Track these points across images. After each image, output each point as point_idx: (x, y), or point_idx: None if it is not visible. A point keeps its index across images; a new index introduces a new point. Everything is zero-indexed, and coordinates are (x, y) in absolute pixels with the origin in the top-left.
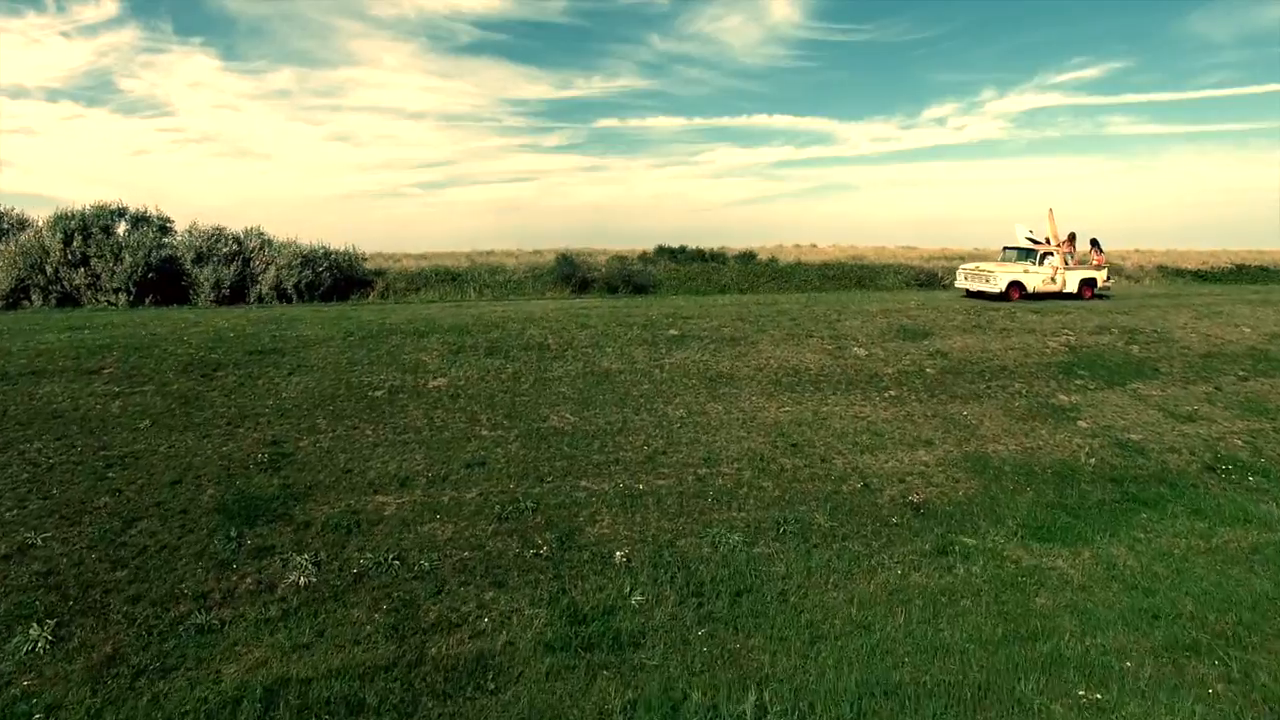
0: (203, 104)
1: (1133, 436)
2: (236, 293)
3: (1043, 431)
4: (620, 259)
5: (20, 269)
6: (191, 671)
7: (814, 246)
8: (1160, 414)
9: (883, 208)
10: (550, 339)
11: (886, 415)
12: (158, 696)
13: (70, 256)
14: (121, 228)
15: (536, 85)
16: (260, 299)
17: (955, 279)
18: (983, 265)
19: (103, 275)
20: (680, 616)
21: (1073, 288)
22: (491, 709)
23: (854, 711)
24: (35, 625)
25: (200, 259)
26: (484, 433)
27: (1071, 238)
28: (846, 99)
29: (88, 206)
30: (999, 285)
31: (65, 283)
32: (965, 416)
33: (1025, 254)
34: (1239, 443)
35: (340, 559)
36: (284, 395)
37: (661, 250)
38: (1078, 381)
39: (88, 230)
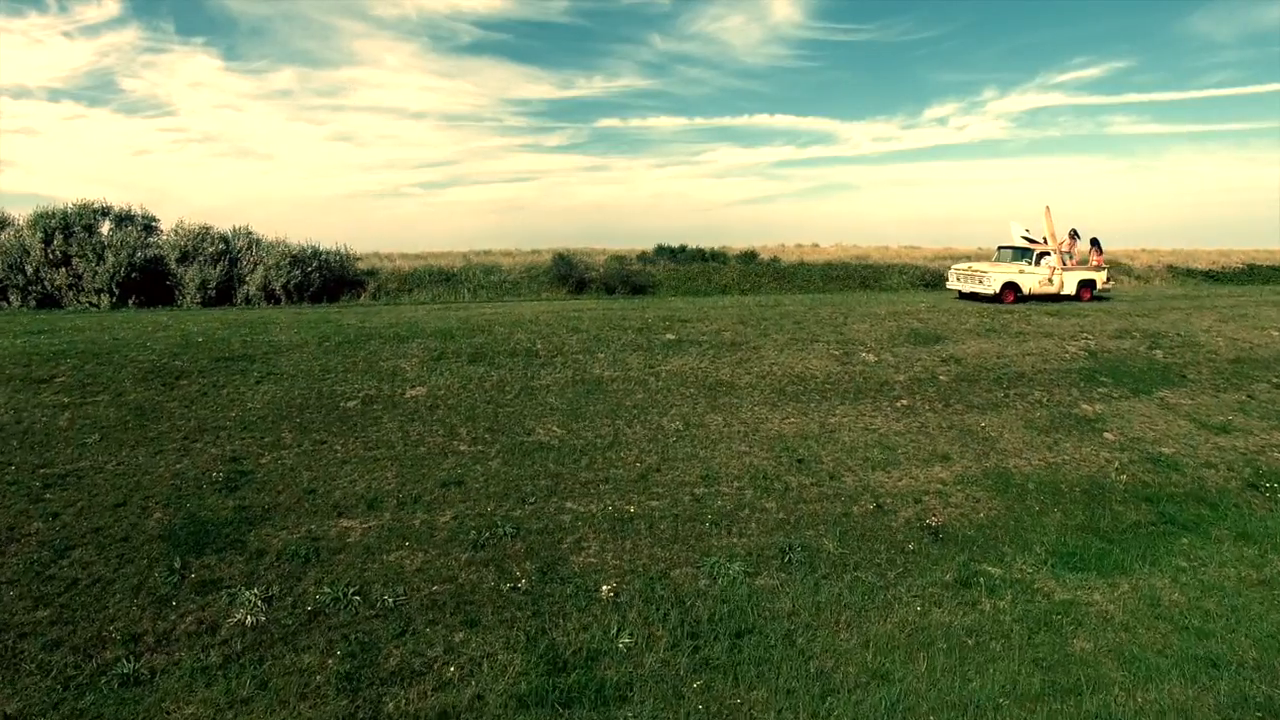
0: (204, 104)
1: (1164, 450)
2: (223, 294)
3: (1067, 445)
4: (618, 259)
5: None
6: None
7: (816, 246)
8: (1192, 425)
9: (884, 207)
10: (539, 344)
11: (899, 427)
12: None
13: (51, 256)
14: (106, 227)
15: (538, 85)
16: (248, 300)
17: (947, 279)
18: (976, 265)
19: (84, 275)
20: (673, 663)
21: (1070, 289)
22: None
23: None
24: None
25: (185, 259)
26: (463, 448)
27: (1073, 234)
28: (848, 99)
29: (70, 204)
30: (993, 286)
31: (46, 283)
32: (983, 428)
33: (1021, 253)
34: None
35: (294, 593)
36: (249, 406)
37: (661, 250)
38: (1101, 389)
39: (69, 229)
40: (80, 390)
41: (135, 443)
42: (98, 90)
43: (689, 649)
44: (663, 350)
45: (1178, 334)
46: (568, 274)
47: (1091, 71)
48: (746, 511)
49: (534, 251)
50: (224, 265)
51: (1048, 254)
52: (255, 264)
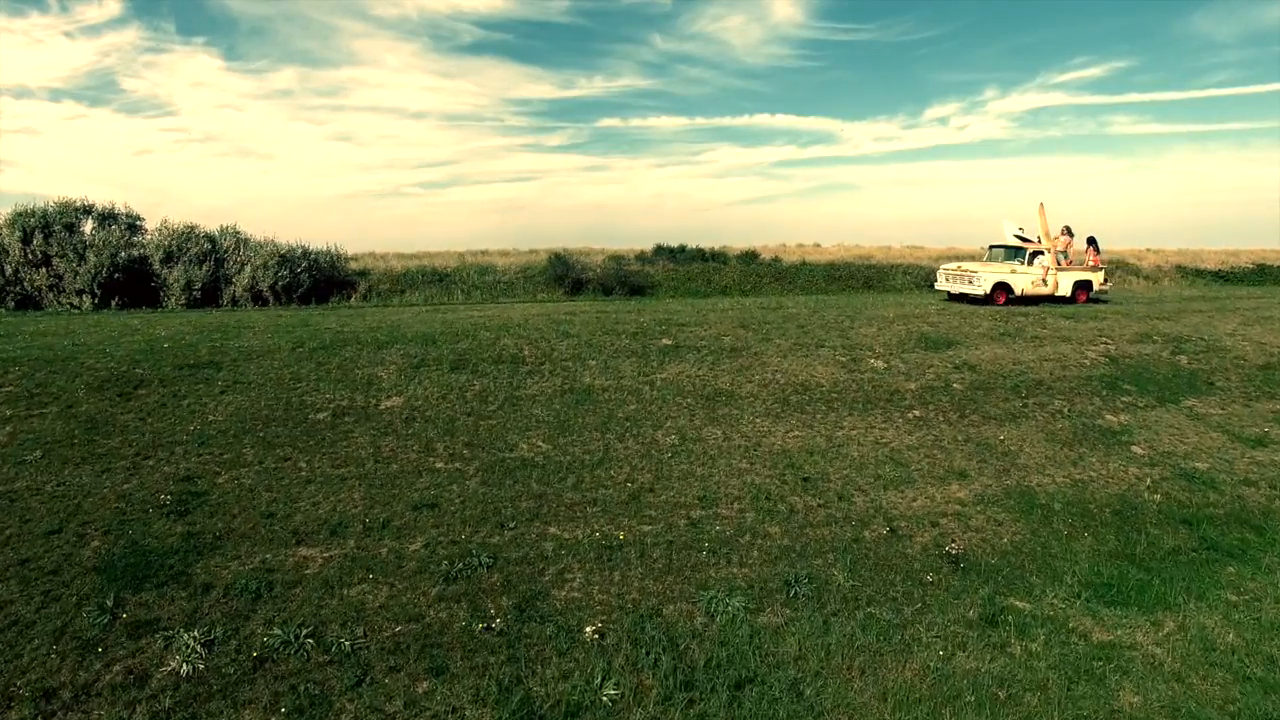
0: (205, 104)
1: (1198, 465)
2: (209, 294)
3: (1093, 459)
4: (616, 259)
5: None
6: None
7: (818, 246)
8: (1225, 437)
9: (885, 207)
10: (526, 350)
11: (911, 440)
12: None
13: (31, 256)
14: (88, 226)
15: (539, 85)
16: (234, 301)
17: (936, 280)
18: (965, 265)
19: (65, 276)
20: None
21: (1065, 290)
22: None
23: None
24: None
25: (170, 259)
26: (439, 465)
27: (1066, 231)
28: (849, 99)
29: (50, 203)
30: (983, 287)
31: (26, 284)
32: (1002, 441)
33: (1013, 252)
34: None
35: (240, 636)
36: (210, 419)
37: (660, 250)
38: (1124, 398)
39: (49, 228)
40: (27, 401)
41: (80, 460)
42: (99, 90)
43: (683, 702)
44: (658, 356)
45: (1201, 338)
46: (564, 275)
47: (1092, 71)
48: (748, 537)
49: (531, 251)
50: (210, 265)
51: (1041, 253)
52: (242, 264)
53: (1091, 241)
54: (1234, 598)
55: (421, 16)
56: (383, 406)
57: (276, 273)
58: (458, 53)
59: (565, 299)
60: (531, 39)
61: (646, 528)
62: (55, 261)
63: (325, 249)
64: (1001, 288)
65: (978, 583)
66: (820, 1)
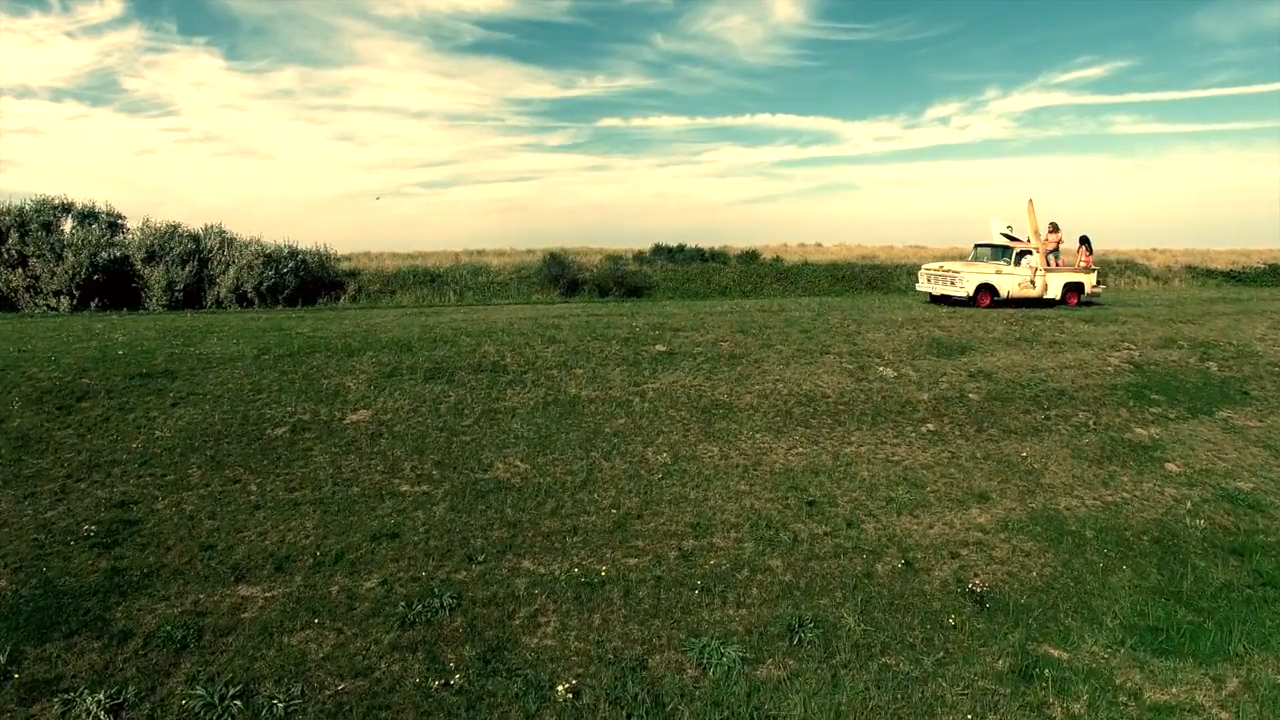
0: (206, 104)
1: (1241, 485)
2: (192, 296)
3: (1124, 479)
4: (613, 259)
5: None
6: None
7: (819, 246)
8: (1267, 453)
9: (886, 207)
10: (508, 357)
11: (926, 458)
12: None
13: (6, 255)
14: (68, 225)
15: (540, 85)
16: (218, 303)
17: (917, 280)
18: (948, 265)
19: (42, 276)
20: None
21: (1055, 292)
22: None
23: None
24: None
25: (151, 259)
26: (404, 488)
27: (1053, 228)
28: (850, 98)
29: (28, 201)
30: (966, 288)
31: (2, 284)
32: (1024, 459)
33: (1000, 252)
34: None
35: (156, 696)
36: (157, 435)
37: (658, 250)
38: (1153, 409)
39: (26, 227)
40: None
41: (3, 482)
42: (100, 90)
43: None
44: (651, 364)
45: (1230, 343)
46: (559, 275)
47: (1094, 71)
48: (746, 572)
49: (528, 251)
50: (193, 266)
51: (1029, 253)
52: (227, 265)
53: (1084, 241)
54: None
55: (423, 16)
56: (348, 421)
57: (261, 273)
58: (459, 52)
59: (560, 300)
60: (533, 39)
61: (632, 561)
62: (32, 261)
63: (314, 249)
64: (985, 289)
65: (1006, 626)
66: (821, 1)
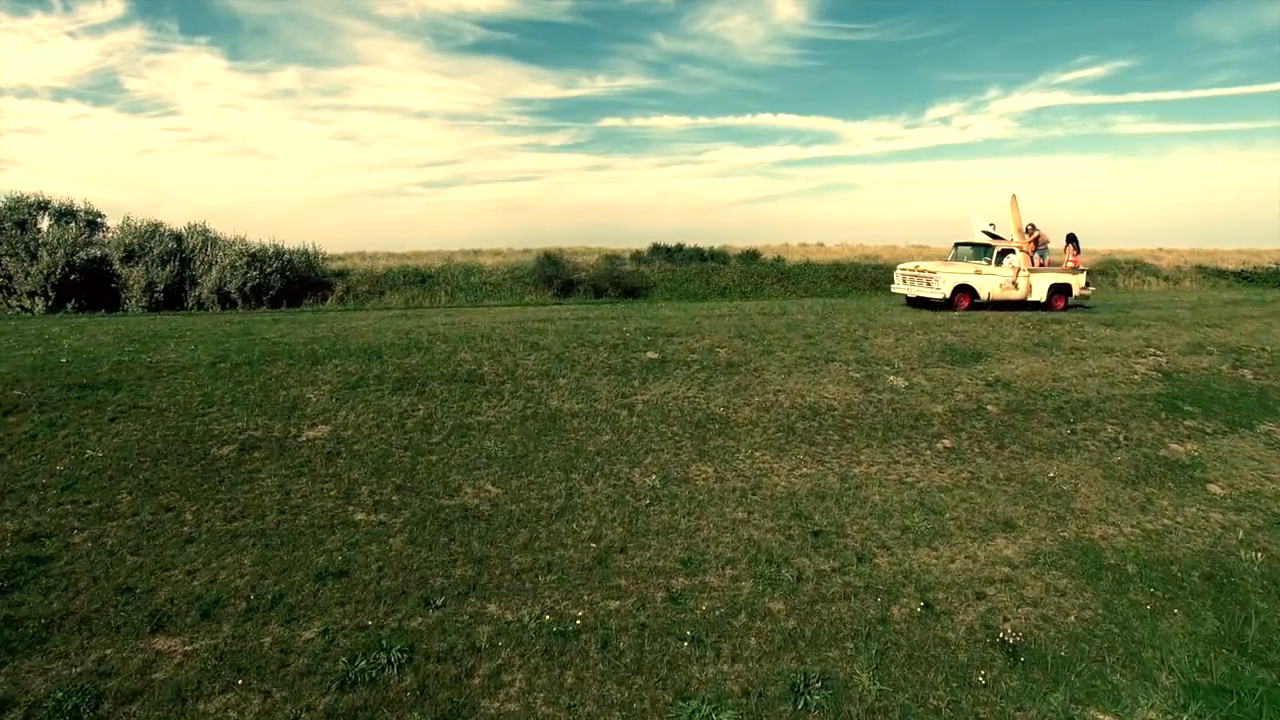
0: (208, 103)
1: None
2: (173, 297)
3: (1163, 503)
4: (610, 259)
5: None
6: None
7: (821, 246)
8: None
9: (887, 207)
10: (486, 366)
11: (943, 479)
12: None
13: None
14: (45, 223)
15: (541, 85)
16: (200, 304)
17: (893, 282)
18: (924, 265)
19: (15, 276)
20: None
21: (1040, 294)
22: None
23: None
24: None
25: (131, 258)
26: (359, 517)
27: (1030, 229)
28: (851, 98)
29: (2, 198)
30: (942, 290)
31: None
32: (1052, 480)
33: (981, 251)
34: None
35: None
36: (87, 454)
37: (656, 249)
38: (1188, 423)
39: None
40: None
41: None
42: (102, 90)
43: None
44: (641, 373)
45: (1263, 349)
46: (554, 275)
47: (1095, 71)
48: (743, 618)
49: (525, 251)
50: (174, 266)
51: (1011, 252)
52: (210, 265)
53: (1071, 239)
54: None
55: (424, 16)
56: (303, 438)
57: (245, 274)
58: (460, 52)
59: (553, 301)
60: (534, 39)
61: (613, 604)
62: (5, 261)
63: (300, 248)
64: (964, 291)
65: (1045, 685)
66: (822, 1)
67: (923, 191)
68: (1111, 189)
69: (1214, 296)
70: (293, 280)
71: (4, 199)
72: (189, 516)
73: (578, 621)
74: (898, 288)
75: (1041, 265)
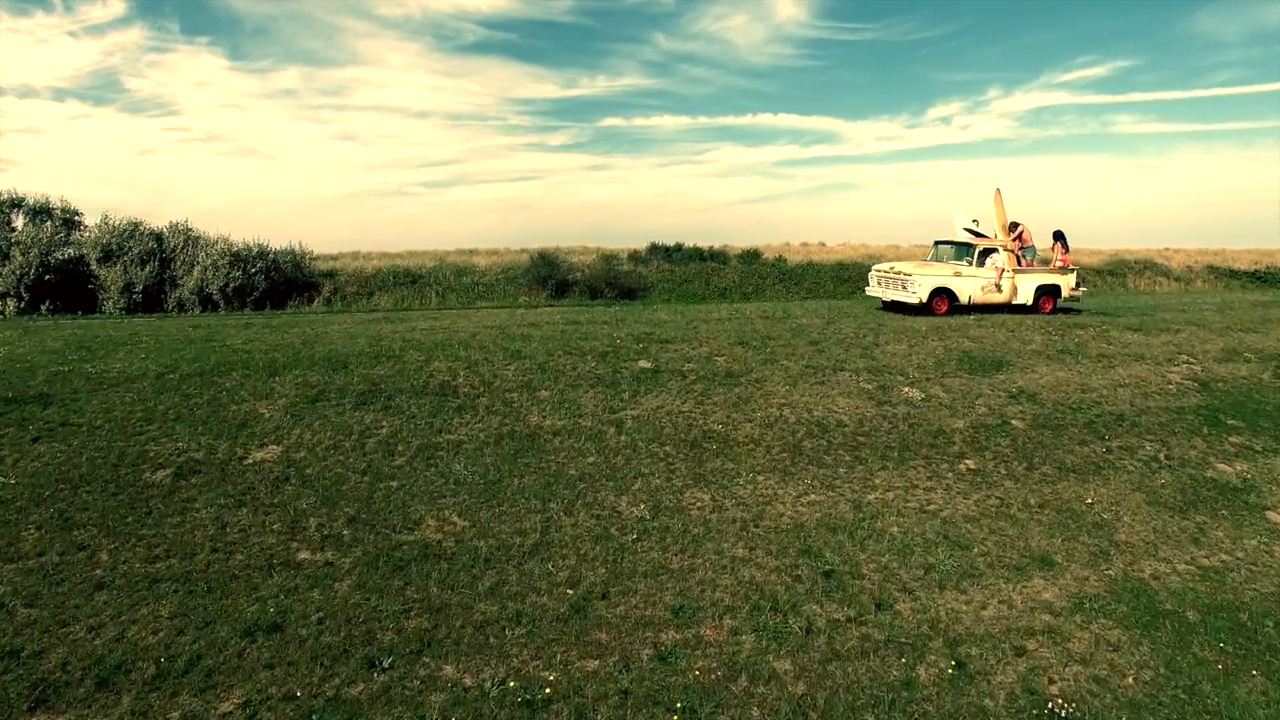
0: (209, 103)
1: None
2: (153, 298)
3: (1218, 534)
4: (607, 259)
5: None
6: None
7: (823, 245)
8: None
9: (887, 206)
10: (461, 376)
11: (969, 506)
12: None
13: None
14: (20, 221)
15: (542, 84)
16: (181, 305)
17: (868, 284)
18: (900, 266)
19: None
20: None
21: (1026, 297)
22: None
23: None
24: None
25: (108, 258)
26: (303, 555)
27: (1013, 227)
28: (851, 98)
29: None
30: (919, 293)
31: None
32: (1090, 507)
33: (963, 250)
34: None
35: None
36: None
37: (655, 249)
38: (1234, 439)
39: None
40: None
41: None
42: (103, 90)
43: None
44: (632, 385)
45: None
46: (548, 276)
47: (1096, 70)
48: (744, 681)
49: (521, 250)
50: (154, 266)
51: (995, 251)
52: (191, 265)
53: (1059, 237)
54: None
55: (425, 16)
56: (250, 460)
57: (228, 274)
58: (461, 52)
59: (546, 303)
60: (535, 38)
61: (591, 664)
62: None
63: (287, 248)
64: (941, 294)
65: None
66: (823, 1)
67: (923, 191)
68: (1112, 189)
69: (1239, 298)
70: (278, 281)
71: None
72: (104, 557)
73: (548, 689)
74: (872, 290)
75: (1028, 265)
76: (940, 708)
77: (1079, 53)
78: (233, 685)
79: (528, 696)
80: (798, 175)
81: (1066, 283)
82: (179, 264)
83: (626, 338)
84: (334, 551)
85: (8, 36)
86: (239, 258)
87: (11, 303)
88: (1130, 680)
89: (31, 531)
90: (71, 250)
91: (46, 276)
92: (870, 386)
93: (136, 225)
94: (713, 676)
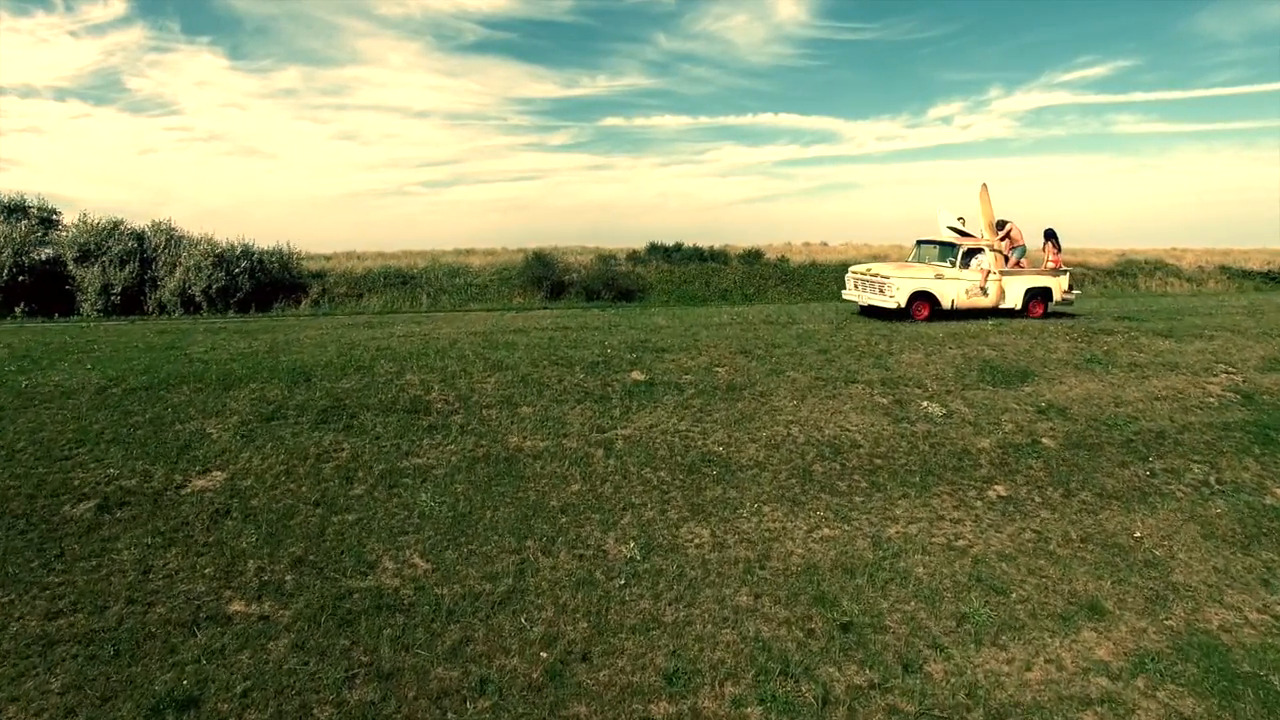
0: (209, 103)
1: None
2: (132, 299)
3: None
4: (604, 259)
5: None
6: None
7: (825, 245)
8: None
9: (888, 206)
10: (435, 390)
11: (1002, 542)
12: None
13: None
14: None
15: (542, 84)
16: (161, 307)
17: (844, 286)
18: (877, 267)
19: None
20: None
21: (1014, 301)
22: None
23: None
24: None
25: (86, 258)
26: (235, 607)
27: (1000, 225)
28: (852, 98)
29: None
30: (897, 298)
31: None
32: (1139, 541)
33: (946, 250)
34: None
35: None
36: None
37: (654, 248)
38: None
39: None
40: None
41: None
42: (104, 89)
43: None
44: (624, 400)
45: None
46: (543, 276)
47: (1097, 70)
48: None
49: (519, 250)
50: (134, 266)
51: (980, 251)
52: (173, 265)
53: (1050, 236)
54: None
55: (425, 15)
56: (189, 489)
57: (211, 275)
58: (461, 52)
59: (541, 305)
60: (535, 38)
61: None
62: None
63: (274, 248)
64: (922, 299)
65: None
66: (824, 1)
67: (924, 191)
68: (1113, 189)
69: (1265, 300)
70: (264, 282)
71: None
72: None
73: None
74: (849, 294)
75: (1016, 266)
76: None
77: (1080, 52)
78: None
79: None
80: (798, 175)
81: (1058, 285)
82: (160, 264)
83: (619, 346)
84: (273, 602)
85: (9, 36)
86: (222, 258)
87: None
88: None
89: None
90: (48, 250)
91: (20, 278)
92: (886, 400)
93: (116, 224)
94: None
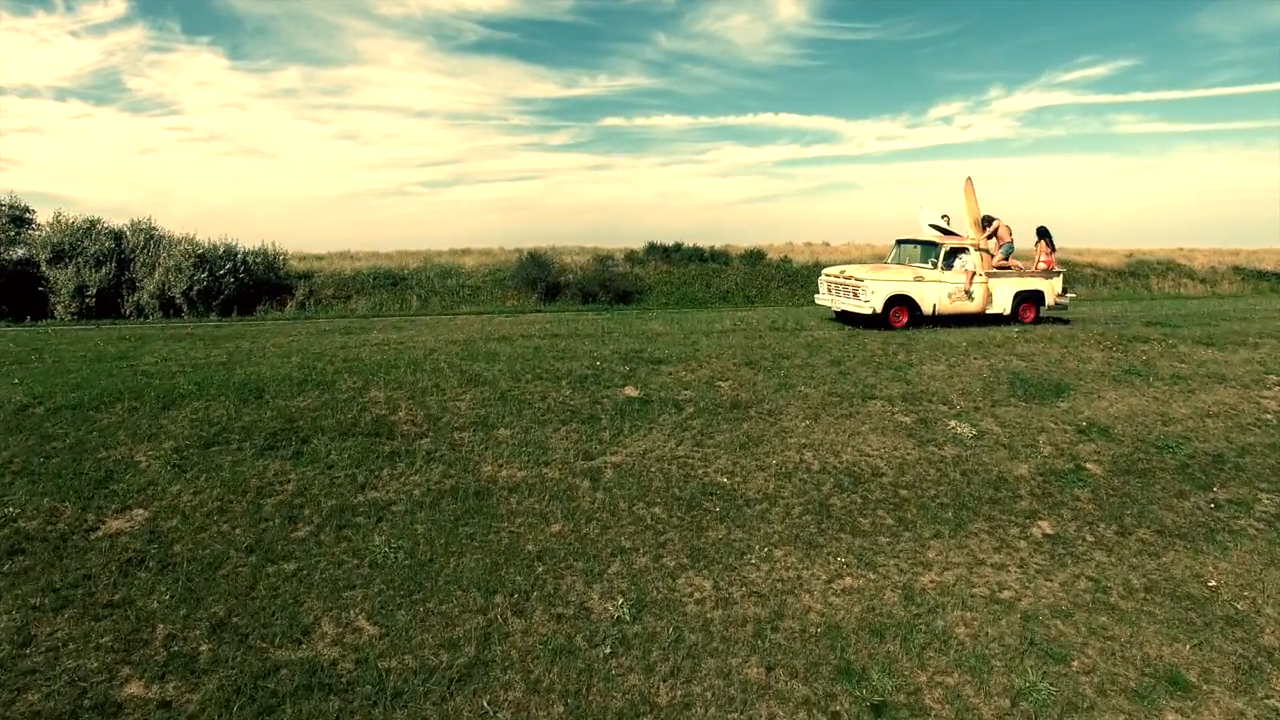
0: (210, 103)
1: None
2: (109, 301)
3: None
4: (601, 259)
5: None
6: None
7: (827, 245)
8: None
9: (888, 206)
10: (403, 409)
11: (1054, 592)
12: None
13: None
14: None
15: (543, 84)
16: (139, 310)
17: (817, 290)
18: (852, 269)
19: None
20: None
21: (1003, 305)
22: None
23: None
24: None
25: (60, 259)
26: (131, 690)
27: (986, 222)
28: (852, 98)
29: None
30: (872, 302)
31: None
32: (1215, 592)
33: (928, 250)
34: None
35: None
36: None
37: (653, 249)
38: None
39: None
40: None
41: None
42: (104, 89)
43: None
44: (615, 420)
45: None
46: (538, 277)
47: (1097, 70)
48: None
49: (516, 250)
50: (110, 267)
51: (964, 251)
52: (152, 266)
53: (1043, 234)
54: None
55: (426, 15)
56: (102, 531)
57: (192, 276)
58: (462, 52)
59: (534, 308)
60: (535, 38)
61: None
62: None
63: (259, 249)
64: (900, 303)
65: None
66: (824, 1)
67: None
68: (1114, 188)
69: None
70: (248, 283)
71: None
72: None
73: None
74: (822, 298)
75: (1004, 267)
76: None
77: (1080, 52)
78: None
79: None
80: (798, 175)
81: (1051, 288)
82: (139, 265)
83: (611, 356)
84: (179, 682)
85: (9, 36)
86: (204, 259)
87: None
88: None
89: None
90: (21, 250)
91: None
92: (908, 420)
93: (93, 223)
94: None
